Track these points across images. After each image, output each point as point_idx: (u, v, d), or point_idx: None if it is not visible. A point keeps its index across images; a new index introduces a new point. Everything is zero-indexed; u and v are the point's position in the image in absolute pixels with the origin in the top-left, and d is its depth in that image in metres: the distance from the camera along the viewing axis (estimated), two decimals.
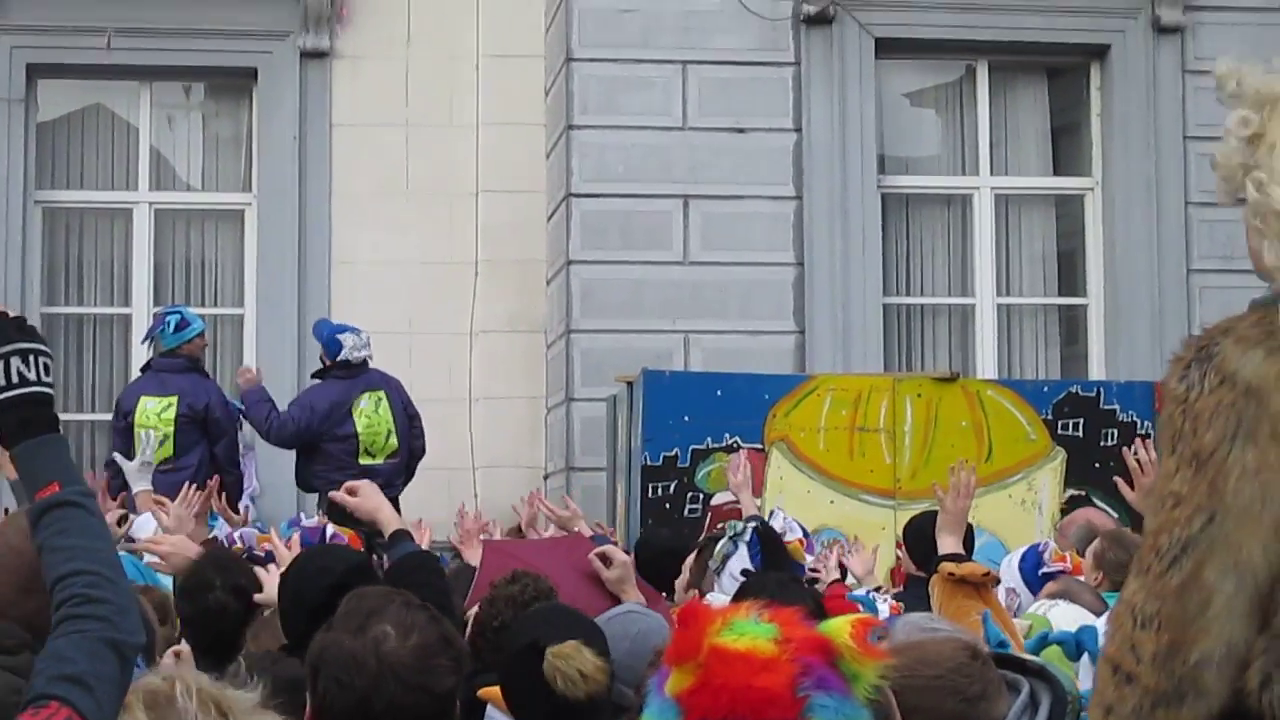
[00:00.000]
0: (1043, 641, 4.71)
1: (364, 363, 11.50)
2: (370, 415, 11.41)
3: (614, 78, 12.58)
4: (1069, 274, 13.49)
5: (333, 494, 6.04)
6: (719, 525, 7.75)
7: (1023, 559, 7.45)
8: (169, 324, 11.71)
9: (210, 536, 8.67)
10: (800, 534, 7.28)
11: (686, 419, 10.59)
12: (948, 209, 13.43)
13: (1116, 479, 9.34)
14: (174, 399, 11.48)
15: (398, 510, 9.57)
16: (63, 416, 12.25)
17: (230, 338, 13.36)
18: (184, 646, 5.57)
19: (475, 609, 5.89)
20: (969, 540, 6.51)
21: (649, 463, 10.53)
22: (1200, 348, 2.89)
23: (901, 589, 7.57)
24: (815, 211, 12.62)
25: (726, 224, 12.51)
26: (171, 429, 11.38)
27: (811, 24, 12.74)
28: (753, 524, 7.42)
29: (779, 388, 10.82)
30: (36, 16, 12.96)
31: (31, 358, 3.36)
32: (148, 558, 7.31)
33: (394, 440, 11.45)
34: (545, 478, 12.97)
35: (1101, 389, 11.08)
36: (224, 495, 10.21)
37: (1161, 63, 13.08)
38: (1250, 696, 2.79)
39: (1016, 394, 10.97)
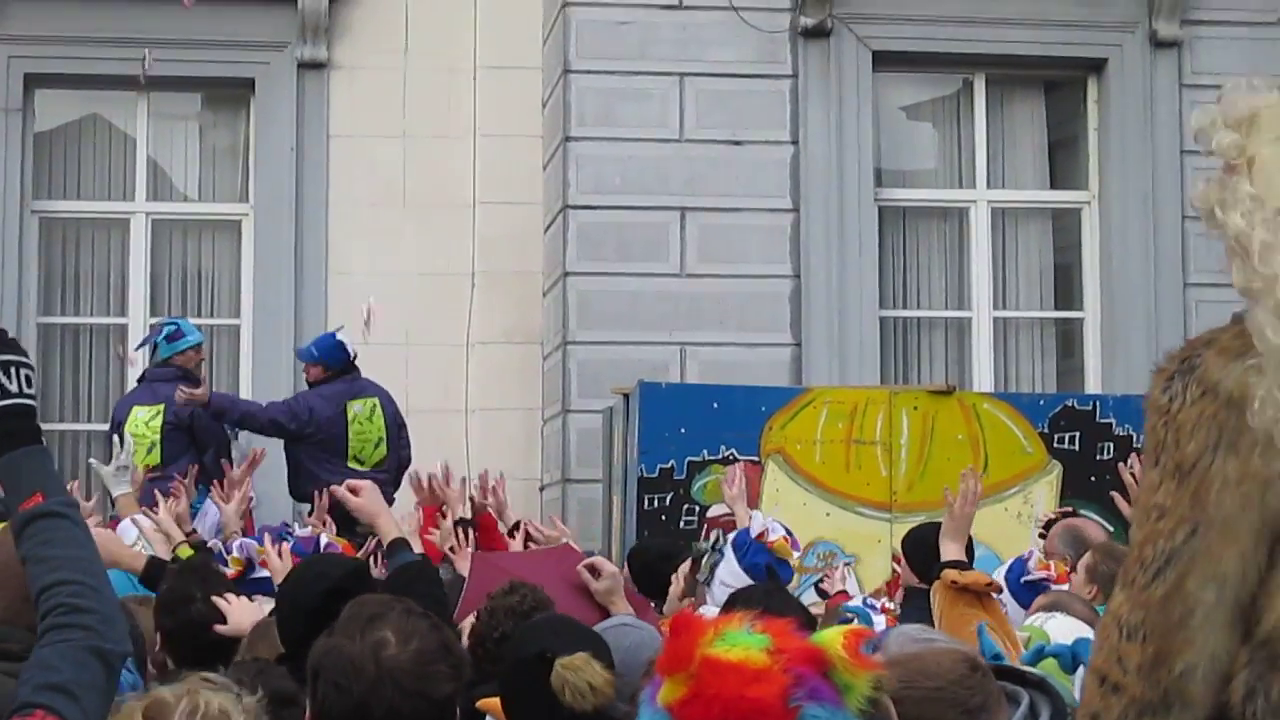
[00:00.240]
0: (1039, 654, 4.71)
1: (354, 363, 11.56)
2: (363, 422, 11.44)
3: (611, 89, 12.59)
4: (1065, 287, 13.50)
5: (334, 488, 6.02)
6: (710, 535, 7.75)
7: (1009, 569, 7.45)
8: (164, 333, 11.74)
9: (191, 530, 8.68)
10: (783, 532, 7.26)
11: (683, 431, 10.59)
12: (944, 222, 13.44)
13: (1113, 494, 9.41)
14: (161, 407, 11.50)
15: None
16: (59, 427, 12.38)
17: (227, 348, 13.35)
18: None
19: (470, 619, 5.88)
20: (969, 552, 6.51)
21: (645, 475, 10.53)
22: (1183, 360, 2.91)
23: (900, 602, 7.55)
24: (812, 224, 12.63)
25: (723, 236, 12.52)
26: (158, 437, 11.40)
27: (809, 37, 12.75)
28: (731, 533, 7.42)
29: (775, 400, 10.82)
30: (34, 26, 12.96)
31: (13, 369, 3.36)
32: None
33: (384, 449, 11.48)
34: (541, 489, 12.96)
35: (1098, 402, 11.09)
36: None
37: (1158, 77, 13.10)
38: (1234, 709, 2.80)
39: (1013, 407, 10.97)
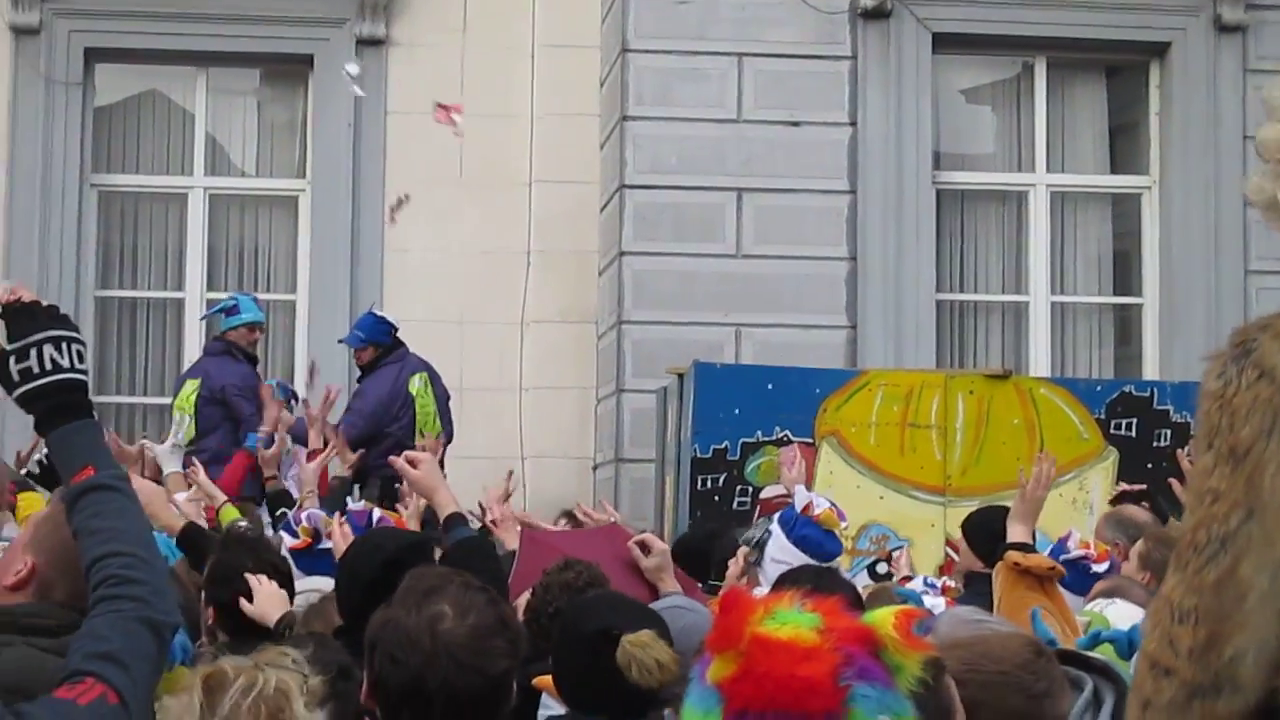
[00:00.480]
0: (1095, 639, 4.67)
1: (399, 338, 11.54)
2: (422, 396, 11.43)
3: (669, 69, 12.55)
4: (1124, 273, 13.42)
5: (393, 459, 5.99)
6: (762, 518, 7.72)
7: (1051, 551, 7.40)
8: (221, 307, 11.80)
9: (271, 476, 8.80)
10: (828, 504, 7.22)
11: (737, 412, 10.56)
12: (1003, 206, 13.37)
13: (1171, 481, 9.36)
14: (199, 381, 11.56)
15: None
16: (116, 400, 12.45)
17: (282, 323, 13.39)
18: None
19: (526, 596, 5.87)
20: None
21: (698, 455, 10.51)
22: (1238, 344, 2.87)
23: (961, 586, 7.49)
24: (869, 206, 12.58)
25: (780, 217, 12.48)
26: (193, 410, 11.46)
27: (869, 18, 12.70)
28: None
29: (830, 382, 10.79)
30: (95, 1, 13.02)
31: (64, 344, 3.37)
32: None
33: (438, 423, 11.46)
34: (594, 469, 12.96)
35: (1155, 389, 11.01)
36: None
37: (1222, 62, 12.99)
38: None
39: (1069, 393, 10.91)
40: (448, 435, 11.58)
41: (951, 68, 13.25)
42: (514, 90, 13.30)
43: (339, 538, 6.70)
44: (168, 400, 12.24)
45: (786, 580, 5.71)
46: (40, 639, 3.40)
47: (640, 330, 12.31)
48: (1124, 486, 9.97)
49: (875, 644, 2.58)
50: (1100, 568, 7.13)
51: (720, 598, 2.79)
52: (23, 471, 8.93)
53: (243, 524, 7.89)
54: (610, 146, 12.86)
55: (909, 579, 8.61)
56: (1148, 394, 10.92)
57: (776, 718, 2.52)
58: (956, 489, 10.50)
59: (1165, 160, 13.13)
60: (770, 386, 10.69)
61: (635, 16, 12.55)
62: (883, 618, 2.63)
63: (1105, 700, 3.73)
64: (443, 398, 11.60)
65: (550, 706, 4.83)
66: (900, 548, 10.13)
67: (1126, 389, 11.02)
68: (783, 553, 7.01)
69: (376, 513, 7.52)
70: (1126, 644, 4.64)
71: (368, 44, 13.23)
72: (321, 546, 7.10)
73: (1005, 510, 6.62)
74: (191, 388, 11.55)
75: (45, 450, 7.43)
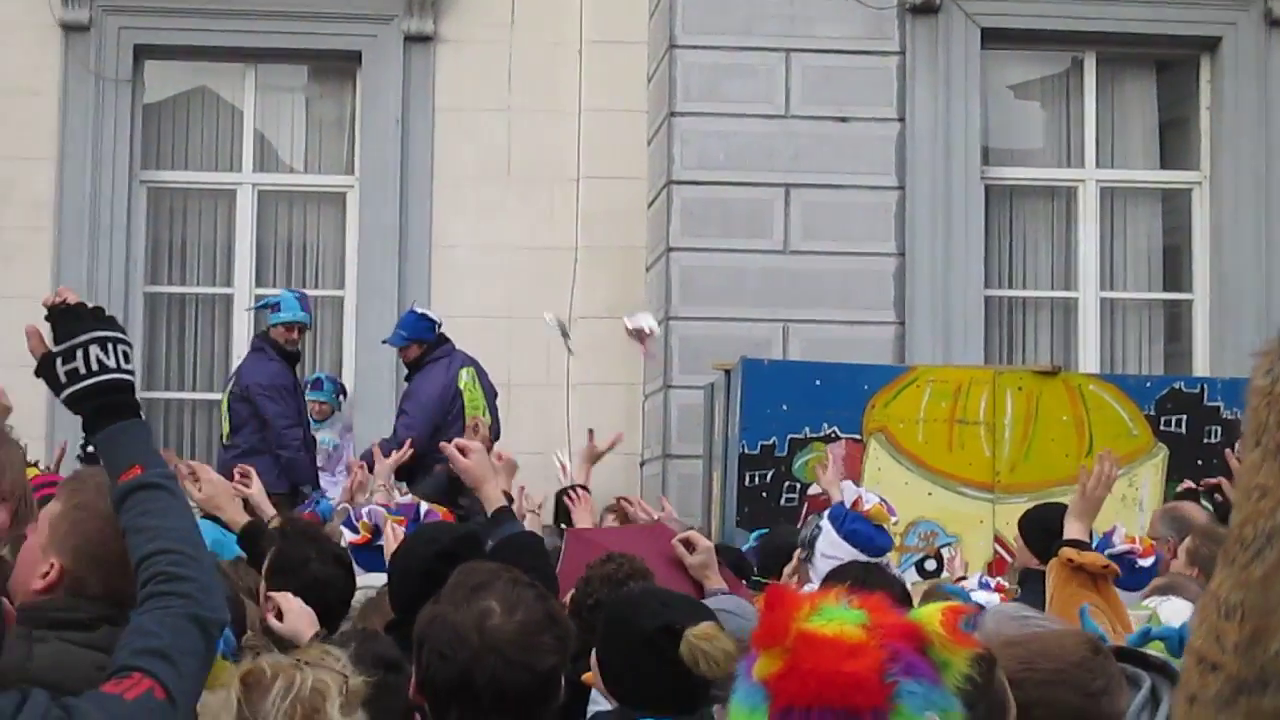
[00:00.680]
0: (1145, 636, 4.64)
1: (443, 334, 11.54)
2: (470, 390, 11.43)
3: (717, 65, 12.53)
4: (1174, 269, 13.35)
5: (444, 445, 5.94)
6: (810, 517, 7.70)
7: (1096, 546, 7.36)
8: (265, 303, 11.85)
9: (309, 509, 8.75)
10: (877, 500, 7.19)
11: (785, 408, 10.55)
12: (1052, 201, 13.31)
13: (1220, 479, 9.30)
14: (235, 378, 11.66)
15: None
16: (164, 395, 12.51)
17: (330, 319, 13.43)
18: None
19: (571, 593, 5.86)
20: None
21: (746, 451, 10.49)
22: None
23: (1018, 584, 7.45)
24: (917, 202, 12.54)
25: (827, 213, 12.45)
26: (226, 407, 11.55)
27: (917, 13, 12.66)
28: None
29: (878, 378, 10.76)
30: None
31: (110, 345, 3.39)
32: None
33: (488, 416, 11.46)
34: (641, 465, 12.95)
35: (1205, 385, 10.95)
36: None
37: (1273, 56, 12.91)
38: None
39: (1119, 389, 10.86)
40: (495, 431, 11.58)
41: (1000, 63, 13.20)
42: (561, 86, 13.31)
43: (391, 537, 6.70)
44: (216, 396, 12.31)
45: (834, 576, 5.69)
46: (74, 633, 3.41)
47: (688, 326, 12.29)
48: (1189, 483, 9.91)
49: (922, 640, 2.57)
50: (1145, 562, 7.10)
51: (765, 594, 2.78)
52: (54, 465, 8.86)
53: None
54: (658, 142, 12.85)
55: (964, 579, 8.58)
56: (1198, 390, 10.87)
57: (822, 714, 2.51)
58: (1005, 485, 10.46)
59: (1216, 155, 13.05)
60: (818, 383, 10.67)
61: (683, 12, 12.54)
62: (929, 614, 2.62)
63: (1163, 698, 3.71)
64: (490, 393, 11.59)
65: (599, 702, 4.81)
66: (949, 544, 10.11)
67: (1176, 385, 10.97)
68: (833, 548, 6.99)
69: (424, 506, 7.52)
70: (1177, 641, 4.61)
71: (416, 40, 13.25)
72: (380, 543, 7.11)
73: (1061, 507, 6.59)
74: (230, 384, 11.67)
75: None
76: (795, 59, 12.58)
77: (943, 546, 10.09)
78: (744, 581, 7.13)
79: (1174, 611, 5.85)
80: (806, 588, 6.58)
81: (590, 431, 9.09)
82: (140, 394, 3.49)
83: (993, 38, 12.87)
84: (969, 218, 12.67)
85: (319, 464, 12.21)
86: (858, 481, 9.64)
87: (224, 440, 11.59)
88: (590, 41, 13.33)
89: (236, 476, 7.50)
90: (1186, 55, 13.31)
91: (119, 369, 3.38)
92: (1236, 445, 7.02)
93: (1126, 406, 10.74)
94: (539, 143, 13.24)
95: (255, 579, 6.04)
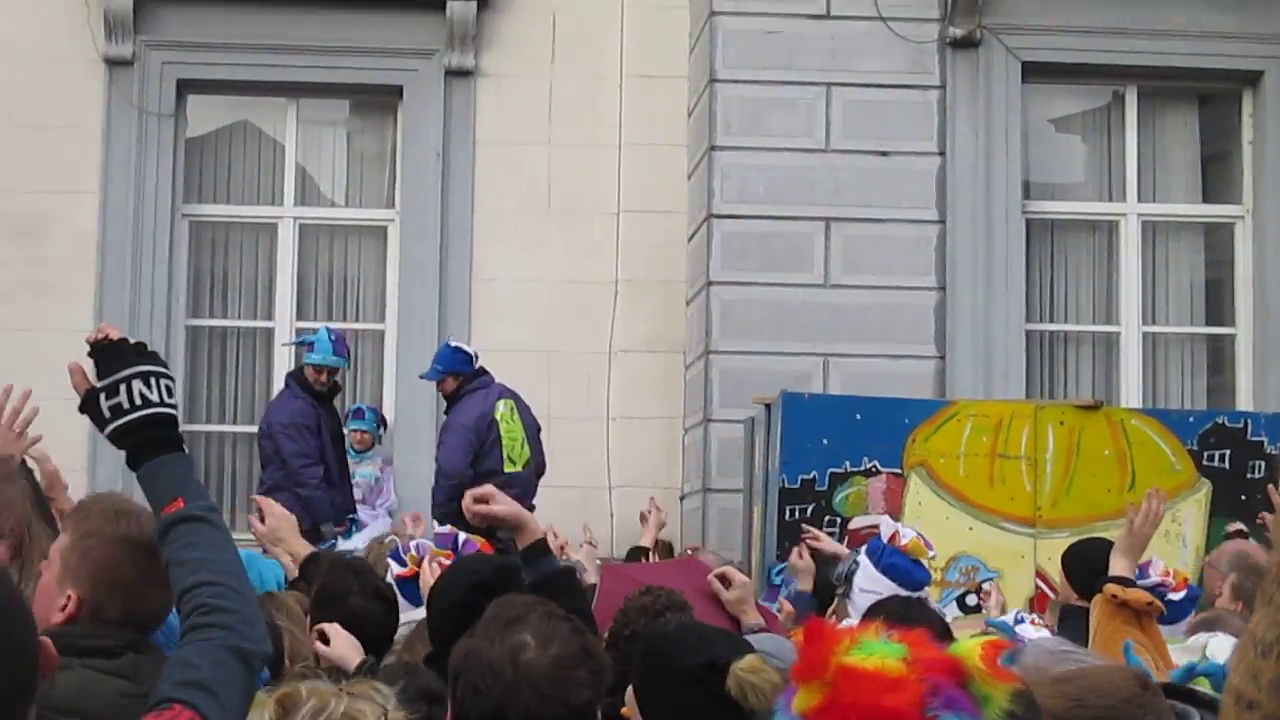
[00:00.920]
0: (1190, 672, 4.61)
1: (481, 367, 11.55)
2: (508, 421, 11.44)
3: (757, 99, 12.54)
4: (1217, 303, 13.29)
5: (466, 505, 5.89)
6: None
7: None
8: (303, 339, 11.94)
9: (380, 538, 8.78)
10: (915, 534, 7.16)
11: (825, 442, 10.52)
12: (1093, 235, 13.28)
13: (1263, 515, 9.24)
14: (265, 414, 11.81)
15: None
16: (206, 428, 12.58)
17: (371, 353, 13.45)
18: None
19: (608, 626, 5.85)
20: None
21: (786, 485, 10.47)
22: None
23: (1058, 620, 7.40)
24: (958, 236, 12.52)
25: (868, 247, 12.43)
26: (258, 444, 11.66)
27: (958, 47, 12.65)
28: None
29: (919, 412, 10.72)
30: (187, 33, 13.15)
31: (153, 380, 3.41)
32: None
33: (527, 449, 11.47)
34: (681, 499, 12.94)
35: (1249, 420, 10.89)
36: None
37: None
38: None
39: (1161, 424, 10.80)
40: (539, 466, 11.58)
41: (1041, 97, 13.18)
42: (601, 120, 13.33)
43: (428, 573, 6.69)
44: (256, 429, 12.34)
45: (874, 611, 5.66)
46: (98, 660, 3.41)
47: (728, 360, 12.28)
48: (1239, 525, 9.85)
49: (962, 675, 2.55)
50: (1176, 596, 7.05)
51: (804, 628, 2.76)
52: None
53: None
54: (698, 176, 12.86)
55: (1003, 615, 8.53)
56: (1241, 425, 10.80)
57: None
58: (1047, 520, 10.41)
59: (1259, 189, 13.01)
60: (858, 417, 10.64)
61: (723, 46, 12.55)
62: (969, 648, 2.60)
63: None
64: (532, 427, 11.59)
65: None
66: (990, 579, 10.05)
67: (1219, 420, 10.90)
68: (870, 582, 6.96)
69: (462, 536, 7.52)
70: (1221, 677, 4.57)
71: (456, 75, 13.30)
72: None
73: (1104, 543, 6.55)
74: (261, 421, 11.82)
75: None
76: (836, 93, 12.58)
77: (984, 581, 10.03)
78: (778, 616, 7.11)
79: (1220, 647, 5.81)
80: (845, 623, 6.55)
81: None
82: (181, 427, 3.50)
83: (1033, 72, 12.86)
84: (1010, 251, 12.64)
85: (358, 497, 12.24)
86: (898, 516, 9.62)
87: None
88: (630, 75, 13.36)
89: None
90: (1228, 89, 13.28)
91: (162, 403, 3.40)
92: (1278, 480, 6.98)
93: (1169, 441, 10.69)
94: (579, 176, 13.26)
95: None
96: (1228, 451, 10.66)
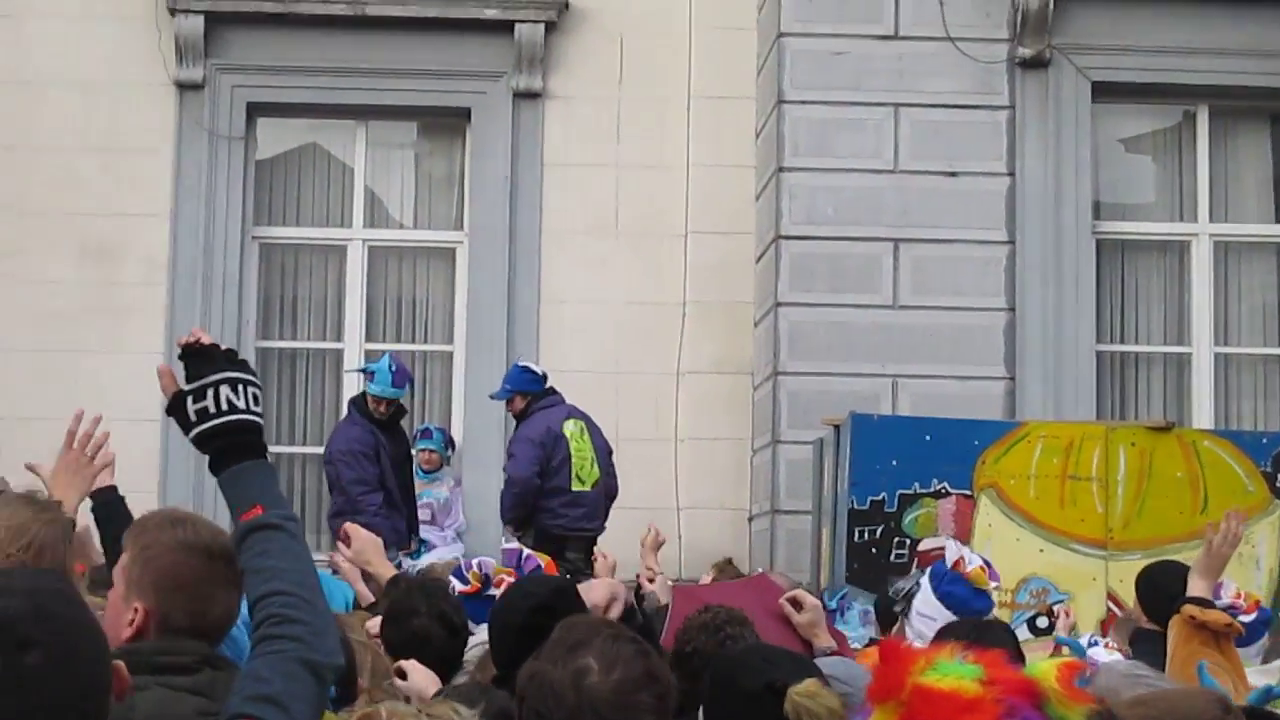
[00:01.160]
0: (1267, 695, 4.57)
1: (551, 386, 11.57)
2: (578, 440, 11.45)
3: (825, 120, 12.52)
4: None
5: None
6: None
7: None
8: (366, 367, 12.01)
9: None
10: (980, 562, 7.10)
11: (894, 463, 10.47)
12: (1164, 256, 13.19)
13: None
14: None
15: (592, 546, 9.65)
16: (275, 449, 12.63)
17: (439, 374, 13.49)
18: None
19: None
20: None
21: (855, 506, 10.43)
22: None
23: (1129, 643, 7.34)
24: (1028, 256, 12.46)
25: (937, 268, 12.39)
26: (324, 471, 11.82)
27: (1027, 67, 12.60)
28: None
29: (989, 433, 10.67)
30: (257, 57, 13.24)
31: (241, 387, 3.42)
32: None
33: (596, 469, 11.47)
34: (750, 520, 12.91)
35: None
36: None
37: None
38: None
39: (1234, 445, 10.71)
40: (610, 489, 11.58)
41: (1111, 117, 13.12)
42: (669, 142, 13.34)
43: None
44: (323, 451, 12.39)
45: (947, 633, 5.63)
46: (176, 678, 3.42)
47: (796, 381, 12.26)
48: None
49: (1038, 696, 2.54)
50: (1248, 618, 6.99)
51: (879, 648, 2.75)
52: None
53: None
54: (766, 197, 12.85)
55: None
56: None
57: None
58: (1118, 542, 10.34)
59: None
60: (928, 438, 10.59)
61: (791, 68, 12.54)
62: (1045, 670, 2.59)
63: None
64: (604, 450, 11.60)
65: None
66: (1060, 601, 9.98)
67: None
68: (927, 607, 6.91)
69: (525, 552, 7.52)
70: None
71: (524, 97, 13.34)
72: (489, 593, 7.12)
73: (1178, 567, 6.50)
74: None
75: None
76: (904, 113, 12.55)
77: (1055, 604, 9.96)
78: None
79: None
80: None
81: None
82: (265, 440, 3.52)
83: (1103, 91, 12.80)
84: (1080, 272, 12.58)
85: (426, 518, 12.27)
86: (969, 538, 9.57)
87: None
88: (698, 97, 13.37)
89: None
90: None
91: (248, 410, 3.41)
92: None
93: (1242, 463, 10.60)
94: (647, 198, 13.27)
95: None
96: None
